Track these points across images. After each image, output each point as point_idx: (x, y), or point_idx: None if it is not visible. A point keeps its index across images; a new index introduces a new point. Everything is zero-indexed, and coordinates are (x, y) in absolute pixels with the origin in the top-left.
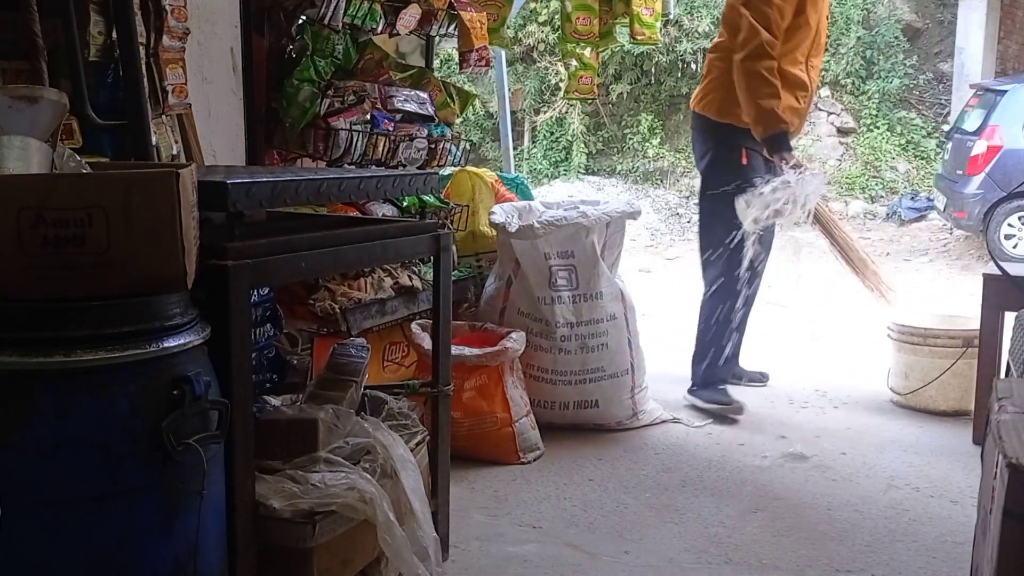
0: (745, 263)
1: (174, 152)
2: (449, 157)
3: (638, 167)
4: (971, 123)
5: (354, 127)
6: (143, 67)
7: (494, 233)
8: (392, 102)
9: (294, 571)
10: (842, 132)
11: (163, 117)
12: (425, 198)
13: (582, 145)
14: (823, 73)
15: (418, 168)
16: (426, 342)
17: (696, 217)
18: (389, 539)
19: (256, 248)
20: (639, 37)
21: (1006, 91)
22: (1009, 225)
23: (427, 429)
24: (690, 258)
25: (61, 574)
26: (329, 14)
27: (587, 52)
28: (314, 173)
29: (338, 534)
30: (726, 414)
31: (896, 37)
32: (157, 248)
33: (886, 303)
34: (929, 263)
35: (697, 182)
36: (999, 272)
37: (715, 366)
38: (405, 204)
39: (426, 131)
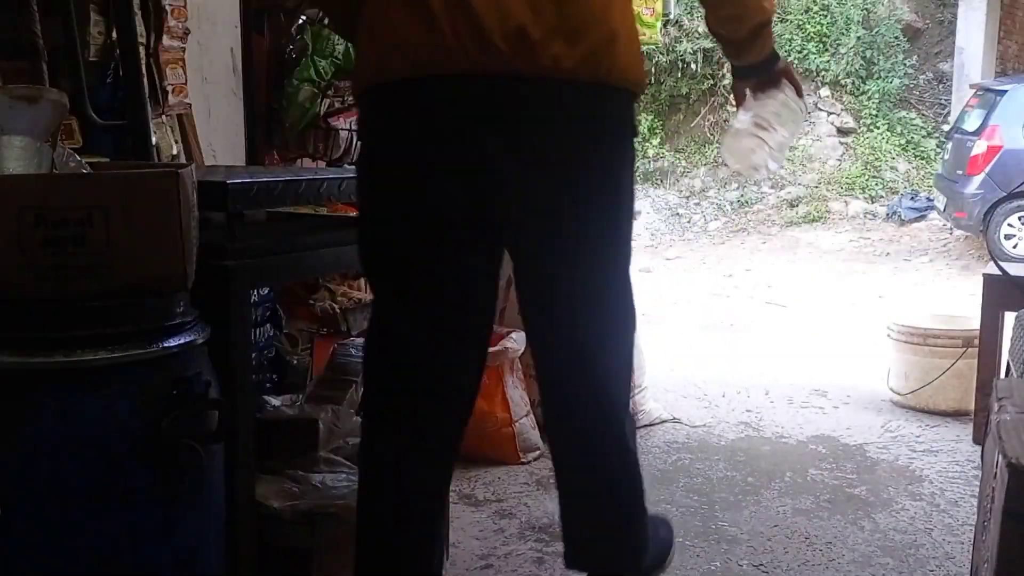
0: None
1: (174, 152)
2: None
3: (638, 167)
4: (971, 123)
5: (354, 127)
6: (143, 67)
7: None
8: None
9: (294, 571)
10: (842, 132)
11: (163, 117)
12: None
13: None
14: (823, 73)
15: None
16: None
17: (696, 218)
18: None
19: (256, 248)
20: (640, 37)
21: (1006, 91)
22: (1009, 225)
23: None
24: (690, 258)
25: (61, 574)
26: None
27: None
28: (314, 173)
29: (338, 535)
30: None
31: (896, 37)
32: (157, 248)
33: None
34: (929, 263)
35: (697, 182)
36: (999, 272)
37: None
38: None
39: None
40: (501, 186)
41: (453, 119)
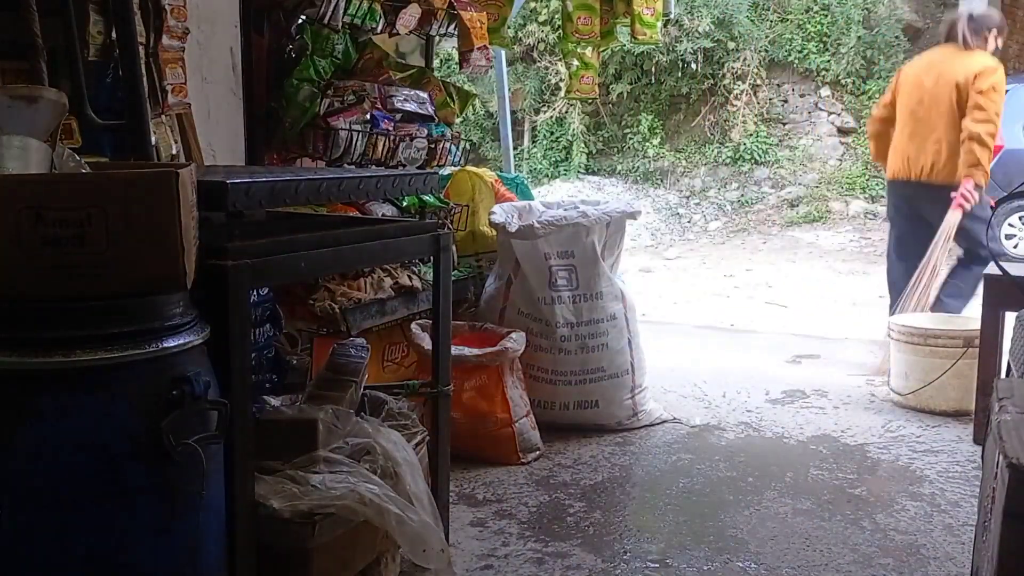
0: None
1: (173, 152)
2: (449, 157)
3: (638, 167)
4: None
5: (354, 127)
6: (143, 67)
7: (494, 233)
8: (392, 102)
9: (294, 571)
10: (842, 132)
11: (162, 117)
12: (425, 198)
13: (582, 145)
14: (824, 73)
15: (418, 168)
16: (426, 342)
17: (696, 218)
18: (403, 526)
19: (256, 248)
20: (640, 37)
21: (1006, 91)
22: (1010, 225)
23: (427, 429)
24: (690, 258)
25: (61, 574)
26: (329, 14)
27: (588, 52)
28: (314, 173)
29: (338, 535)
30: None
31: (897, 37)
32: (156, 248)
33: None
34: None
35: (697, 182)
36: (999, 272)
37: None
38: (405, 204)
39: (426, 131)
40: (922, 213)
41: (906, 192)
